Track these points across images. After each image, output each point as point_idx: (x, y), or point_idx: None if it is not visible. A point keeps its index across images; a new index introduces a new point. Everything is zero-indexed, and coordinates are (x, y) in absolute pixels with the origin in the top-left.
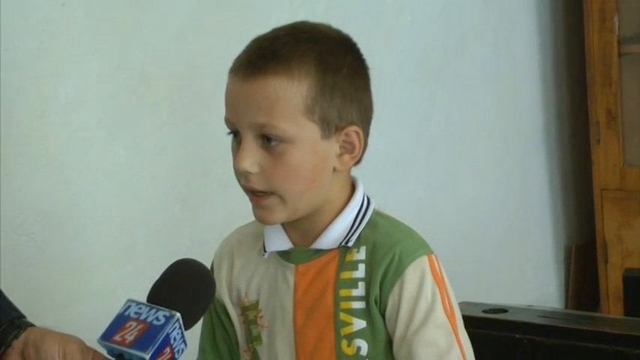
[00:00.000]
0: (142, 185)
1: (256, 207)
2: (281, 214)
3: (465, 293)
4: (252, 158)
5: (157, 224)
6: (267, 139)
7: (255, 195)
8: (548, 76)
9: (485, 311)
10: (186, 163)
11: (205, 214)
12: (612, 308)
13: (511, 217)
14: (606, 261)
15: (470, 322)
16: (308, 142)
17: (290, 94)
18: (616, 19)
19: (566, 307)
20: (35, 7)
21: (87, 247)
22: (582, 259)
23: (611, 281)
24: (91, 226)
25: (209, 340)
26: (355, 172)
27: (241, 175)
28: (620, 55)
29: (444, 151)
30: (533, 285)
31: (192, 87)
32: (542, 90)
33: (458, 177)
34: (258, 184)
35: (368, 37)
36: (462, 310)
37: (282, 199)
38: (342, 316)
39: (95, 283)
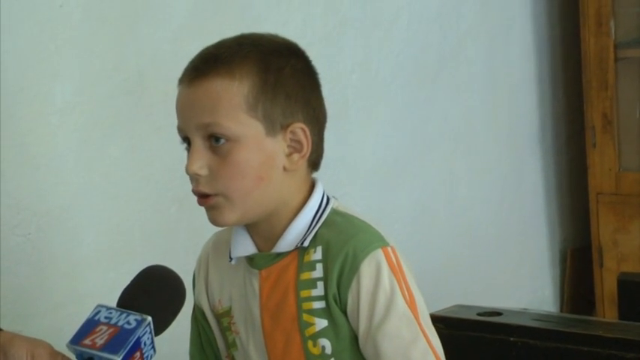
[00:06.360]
0: (139, 186)
1: (206, 209)
2: (230, 214)
3: (459, 296)
4: (202, 160)
5: (154, 226)
6: (214, 140)
7: (202, 197)
8: (544, 80)
9: (479, 314)
10: (182, 165)
11: (201, 216)
12: (607, 312)
13: (507, 220)
14: (601, 265)
15: (464, 325)
16: (252, 140)
17: (231, 93)
18: (612, 23)
19: (562, 310)
20: (33, 8)
21: (83, 248)
22: (577, 263)
23: (607, 285)
24: (88, 227)
25: (196, 346)
26: (353, 174)
27: (192, 179)
28: (616, 59)
29: (439, 155)
30: (529, 288)
31: None
32: (538, 94)
33: (454, 180)
34: (205, 187)
35: (365, 40)
36: (456, 313)
37: (227, 198)
38: (305, 317)
39: (91, 284)
